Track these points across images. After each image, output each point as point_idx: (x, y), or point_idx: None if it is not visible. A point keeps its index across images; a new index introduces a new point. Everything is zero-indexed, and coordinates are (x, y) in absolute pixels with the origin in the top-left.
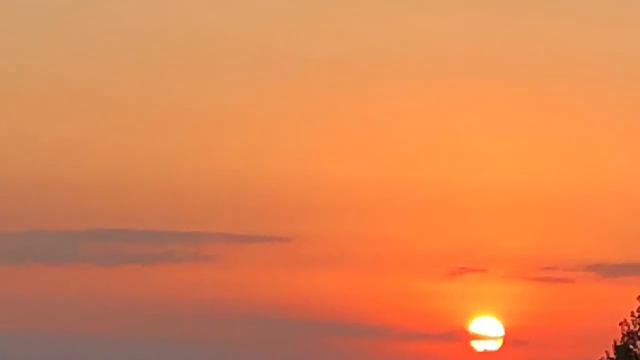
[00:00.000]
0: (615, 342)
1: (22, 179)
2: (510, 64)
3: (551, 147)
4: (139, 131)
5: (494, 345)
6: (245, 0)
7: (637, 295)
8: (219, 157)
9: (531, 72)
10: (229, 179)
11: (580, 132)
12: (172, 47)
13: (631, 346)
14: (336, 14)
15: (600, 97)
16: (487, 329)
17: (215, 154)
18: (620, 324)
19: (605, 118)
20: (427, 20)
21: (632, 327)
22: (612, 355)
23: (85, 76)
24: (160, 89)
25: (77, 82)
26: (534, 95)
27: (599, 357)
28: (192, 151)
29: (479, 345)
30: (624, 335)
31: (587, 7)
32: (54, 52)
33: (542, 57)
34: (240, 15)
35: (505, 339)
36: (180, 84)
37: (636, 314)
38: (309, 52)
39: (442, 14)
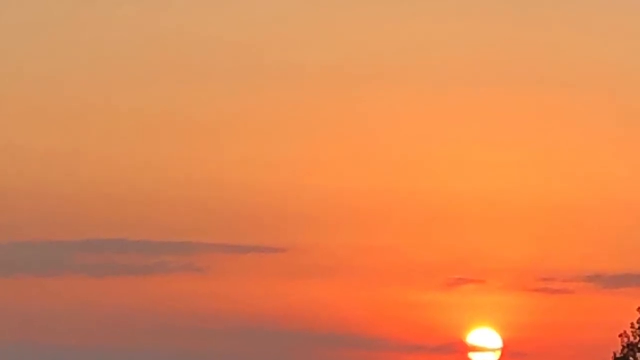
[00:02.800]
0: (614, 354)
1: (13, 189)
2: (506, 72)
3: (550, 157)
4: (131, 141)
5: (492, 357)
6: (239, 8)
7: (636, 307)
8: (213, 166)
9: (529, 81)
10: (223, 188)
11: (579, 141)
12: (164, 55)
13: (631, 358)
14: (332, 21)
15: (599, 107)
16: (485, 340)
17: (209, 163)
18: (620, 335)
19: (604, 128)
20: (425, 28)
21: (631, 338)
22: None
23: (76, 85)
24: (153, 97)
25: (70, 91)
26: (531, 104)
27: None
28: (186, 161)
29: (476, 357)
30: (623, 347)
31: (588, 16)
32: (45, 60)
33: (539, 65)
34: (234, 23)
35: (503, 350)
36: (174, 93)
37: (636, 326)
38: (304, 61)
39: (440, 21)
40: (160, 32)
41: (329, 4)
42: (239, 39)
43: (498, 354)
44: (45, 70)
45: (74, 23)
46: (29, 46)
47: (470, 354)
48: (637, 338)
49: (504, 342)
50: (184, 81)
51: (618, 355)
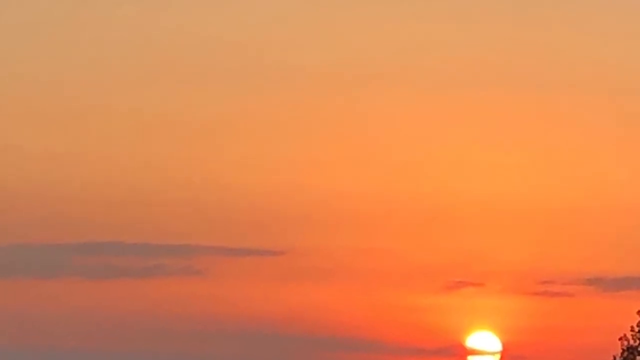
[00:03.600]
0: (614, 358)
1: (10, 191)
2: (506, 74)
3: (550, 159)
4: (129, 142)
5: None
6: (239, 8)
7: (637, 310)
8: (211, 168)
9: (530, 83)
10: (222, 191)
11: (579, 144)
12: (162, 56)
13: None
14: (332, 22)
15: (599, 109)
16: (485, 344)
17: (208, 165)
18: (620, 339)
19: (604, 130)
20: (425, 29)
21: (631, 342)
22: None
23: (76, 85)
24: (153, 98)
25: (69, 91)
26: (531, 107)
27: None
28: (184, 163)
29: None
30: (623, 351)
31: (588, 16)
32: (45, 60)
33: (539, 66)
34: (234, 23)
35: (503, 354)
36: (174, 93)
37: (636, 329)
38: (304, 61)
39: (440, 22)
40: (160, 32)
41: (329, 5)
42: (239, 39)
43: (497, 357)
44: (45, 70)
45: (74, 23)
46: (29, 46)
47: (470, 357)
48: (637, 341)
49: (504, 345)
50: (183, 81)
51: (618, 358)
